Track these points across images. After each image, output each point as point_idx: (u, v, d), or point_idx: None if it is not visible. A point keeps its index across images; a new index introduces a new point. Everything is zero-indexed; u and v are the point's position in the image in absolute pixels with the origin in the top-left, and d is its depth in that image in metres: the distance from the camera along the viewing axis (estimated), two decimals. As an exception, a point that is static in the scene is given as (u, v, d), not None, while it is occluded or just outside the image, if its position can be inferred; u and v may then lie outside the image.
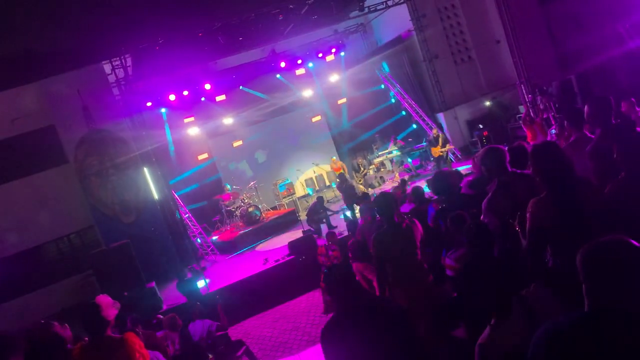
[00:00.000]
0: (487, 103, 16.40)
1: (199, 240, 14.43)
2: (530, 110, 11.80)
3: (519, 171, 4.06)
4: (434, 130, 15.06)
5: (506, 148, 4.18)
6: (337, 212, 13.87)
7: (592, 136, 4.70)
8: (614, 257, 1.78)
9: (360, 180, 15.64)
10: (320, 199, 13.18)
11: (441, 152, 14.20)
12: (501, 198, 3.87)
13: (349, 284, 3.13)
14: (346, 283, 3.11)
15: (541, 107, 13.24)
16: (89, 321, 3.90)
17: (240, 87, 16.07)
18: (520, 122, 12.17)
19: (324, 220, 12.87)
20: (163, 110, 14.85)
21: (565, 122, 5.34)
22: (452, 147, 14.90)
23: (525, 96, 13.90)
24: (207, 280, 11.01)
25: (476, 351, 2.78)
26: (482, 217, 3.99)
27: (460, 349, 3.08)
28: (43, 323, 4.88)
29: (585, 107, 4.50)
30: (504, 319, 2.70)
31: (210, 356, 6.58)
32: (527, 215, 3.24)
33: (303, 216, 14.02)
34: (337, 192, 17.05)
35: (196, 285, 9.97)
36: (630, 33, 13.83)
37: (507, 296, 2.74)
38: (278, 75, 16.35)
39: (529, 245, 3.27)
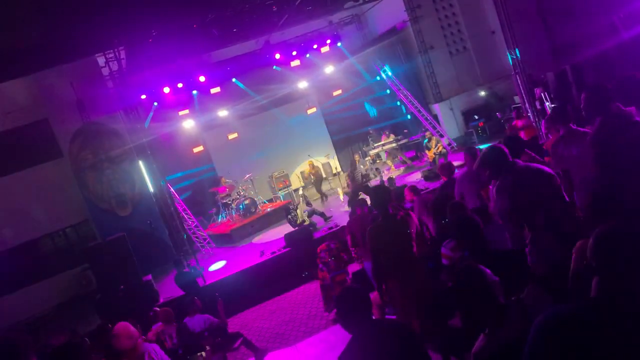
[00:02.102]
0: (482, 93, 16.41)
1: (195, 233, 14.42)
2: (508, 126, 11.96)
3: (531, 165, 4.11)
4: (427, 133, 14.96)
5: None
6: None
7: (580, 129, 4.83)
8: (627, 242, 1.79)
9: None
10: (286, 208, 13.05)
11: (434, 154, 14.18)
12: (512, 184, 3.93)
13: (365, 306, 3.03)
14: (362, 306, 3.01)
15: (537, 97, 13.28)
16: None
17: (233, 80, 15.99)
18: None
19: (297, 216, 12.76)
20: (156, 103, 14.78)
21: (553, 120, 5.39)
22: (442, 143, 14.85)
23: (521, 87, 13.85)
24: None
25: None
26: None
27: (456, 339, 3.08)
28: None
29: (582, 95, 4.48)
30: (498, 326, 2.67)
31: (207, 348, 6.61)
32: None
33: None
34: (333, 185, 17.12)
35: (194, 278, 9.99)
36: (625, 23, 13.81)
37: (499, 304, 2.71)
38: (275, 67, 16.29)
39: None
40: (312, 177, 16.20)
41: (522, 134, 11.04)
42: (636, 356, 1.65)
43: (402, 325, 3.80)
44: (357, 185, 12.62)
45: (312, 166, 16.29)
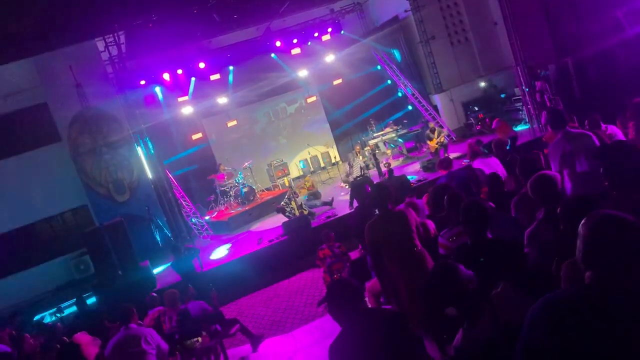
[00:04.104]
0: (483, 85, 16.36)
1: (193, 219, 14.42)
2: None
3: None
4: (431, 125, 14.89)
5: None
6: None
7: (575, 130, 5.28)
8: (617, 229, 1.80)
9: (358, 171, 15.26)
10: (279, 209, 13.00)
11: (437, 144, 14.14)
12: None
13: (354, 298, 3.09)
14: (350, 298, 3.08)
15: (537, 89, 13.25)
16: None
17: (230, 68, 15.86)
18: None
19: (294, 209, 12.71)
20: (158, 88, 14.69)
21: (549, 125, 5.60)
22: (444, 133, 14.79)
23: (521, 79, 13.81)
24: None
25: (452, 353, 2.84)
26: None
27: (449, 328, 3.09)
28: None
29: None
30: (473, 323, 2.70)
31: (204, 333, 6.63)
32: None
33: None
34: (331, 174, 17.10)
35: (192, 264, 10.00)
36: (629, 20, 13.73)
37: (473, 302, 2.75)
38: (273, 55, 16.18)
39: None
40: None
41: (497, 135, 11.04)
42: (632, 341, 1.65)
43: (394, 313, 3.84)
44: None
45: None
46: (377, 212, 4.94)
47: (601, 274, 1.80)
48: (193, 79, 15.10)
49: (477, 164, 7.09)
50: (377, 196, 4.94)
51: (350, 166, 14.15)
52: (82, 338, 4.93)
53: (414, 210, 5.44)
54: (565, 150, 5.03)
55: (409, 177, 11.88)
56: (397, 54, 17.22)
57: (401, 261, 4.69)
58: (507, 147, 8.15)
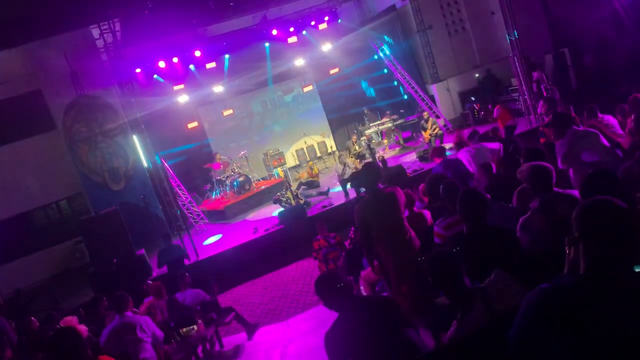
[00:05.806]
0: (479, 75, 16.33)
1: (188, 208, 14.41)
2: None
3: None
4: (425, 114, 14.85)
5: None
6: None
7: (581, 129, 5.34)
8: (612, 218, 1.79)
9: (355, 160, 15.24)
10: (276, 200, 13.02)
11: (431, 135, 14.10)
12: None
13: (343, 288, 3.22)
14: (341, 291, 3.21)
15: (534, 79, 13.22)
16: (73, 348, 3.51)
17: (226, 56, 15.72)
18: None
19: (290, 199, 12.73)
20: (155, 76, 14.57)
21: (554, 128, 5.61)
22: (438, 124, 14.75)
23: (518, 69, 13.75)
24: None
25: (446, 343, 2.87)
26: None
27: (443, 316, 3.11)
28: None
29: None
30: (467, 311, 2.72)
31: (199, 321, 6.65)
32: None
33: (293, 186, 14.00)
34: (327, 164, 17.08)
35: (178, 256, 9.98)
36: (627, 11, 13.70)
37: (467, 289, 2.78)
38: (267, 44, 16.04)
39: None
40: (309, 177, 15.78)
41: (499, 123, 11.06)
42: (627, 329, 1.66)
43: (387, 300, 3.86)
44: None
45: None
46: (367, 192, 4.93)
47: (595, 264, 1.80)
48: (192, 66, 15.01)
49: (462, 154, 7.10)
50: (366, 176, 4.93)
51: (344, 165, 14.06)
52: (70, 321, 4.91)
53: (409, 201, 5.45)
54: (575, 147, 5.09)
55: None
56: (393, 43, 17.15)
57: (389, 241, 4.68)
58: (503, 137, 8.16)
